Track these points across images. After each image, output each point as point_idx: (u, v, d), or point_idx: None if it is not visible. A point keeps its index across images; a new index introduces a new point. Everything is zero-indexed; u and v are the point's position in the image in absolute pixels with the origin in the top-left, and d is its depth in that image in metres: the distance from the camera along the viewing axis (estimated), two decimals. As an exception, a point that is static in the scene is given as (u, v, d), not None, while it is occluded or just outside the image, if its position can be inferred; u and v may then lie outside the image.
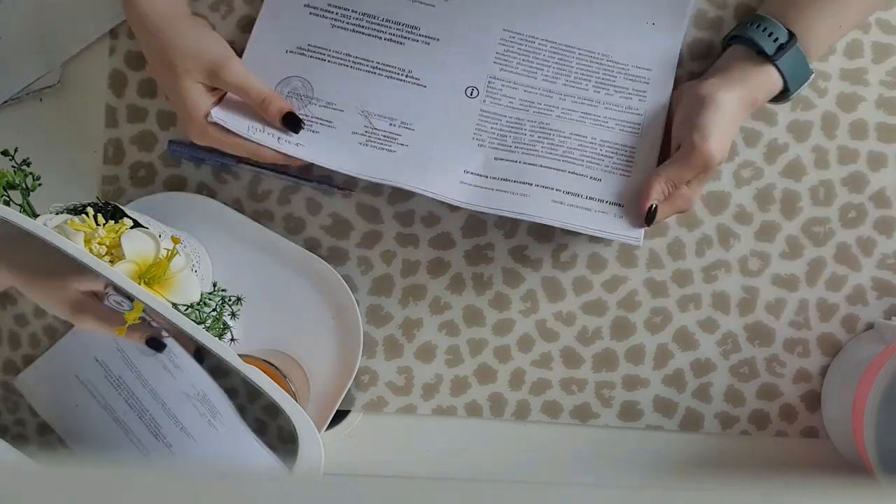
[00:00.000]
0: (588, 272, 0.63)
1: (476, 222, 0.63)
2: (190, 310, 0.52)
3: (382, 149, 0.58)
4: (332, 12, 0.60)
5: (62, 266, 0.49)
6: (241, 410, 0.64)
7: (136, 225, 0.52)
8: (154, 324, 0.56)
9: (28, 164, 0.54)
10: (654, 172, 0.56)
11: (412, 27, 0.59)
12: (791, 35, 0.55)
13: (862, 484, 0.60)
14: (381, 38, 0.59)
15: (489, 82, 0.59)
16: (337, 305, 0.62)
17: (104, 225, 0.50)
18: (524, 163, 0.58)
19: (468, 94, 0.59)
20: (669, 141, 0.58)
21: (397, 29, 0.59)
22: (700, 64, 0.61)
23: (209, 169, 0.63)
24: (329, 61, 0.59)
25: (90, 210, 0.51)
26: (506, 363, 0.63)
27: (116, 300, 0.55)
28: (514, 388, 0.63)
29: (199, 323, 0.52)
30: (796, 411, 0.63)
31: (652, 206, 0.55)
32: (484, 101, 0.59)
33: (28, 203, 0.53)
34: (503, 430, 0.64)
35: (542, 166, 0.58)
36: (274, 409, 0.62)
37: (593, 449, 0.64)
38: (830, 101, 0.62)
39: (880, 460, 0.52)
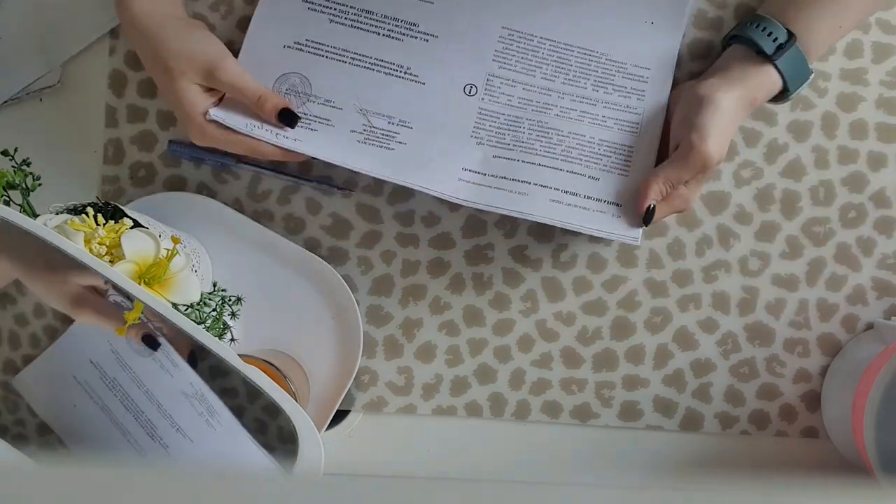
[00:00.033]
0: (588, 272, 0.63)
1: (476, 222, 0.63)
2: (190, 310, 0.52)
3: (381, 147, 0.58)
4: (331, 7, 0.59)
5: (63, 260, 0.49)
6: (241, 410, 0.64)
7: (136, 225, 0.52)
8: (150, 325, 0.56)
9: (28, 164, 0.54)
10: (653, 172, 0.56)
11: (411, 24, 0.59)
12: (790, 35, 0.55)
13: (862, 484, 0.60)
14: (379, 34, 0.59)
15: (488, 80, 0.59)
16: (337, 305, 0.62)
17: (104, 225, 0.51)
18: (522, 161, 0.58)
19: (467, 92, 0.59)
20: (668, 141, 0.58)
21: (396, 25, 0.59)
22: (700, 64, 0.61)
23: (209, 169, 0.63)
24: (327, 57, 0.59)
25: (90, 210, 0.51)
26: (506, 363, 0.63)
27: (117, 300, 0.55)
28: (514, 388, 0.63)
29: (199, 323, 0.52)
30: (796, 411, 0.63)
31: (650, 205, 0.55)
32: (482, 99, 0.59)
33: (28, 203, 0.53)
34: (503, 430, 0.64)
35: (540, 165, 0.58)
36: (274, 409, 0.62)
37: (593, 449, 0.64)
38: (830, 101, 0.62)
39: (880, 460, 0.52)
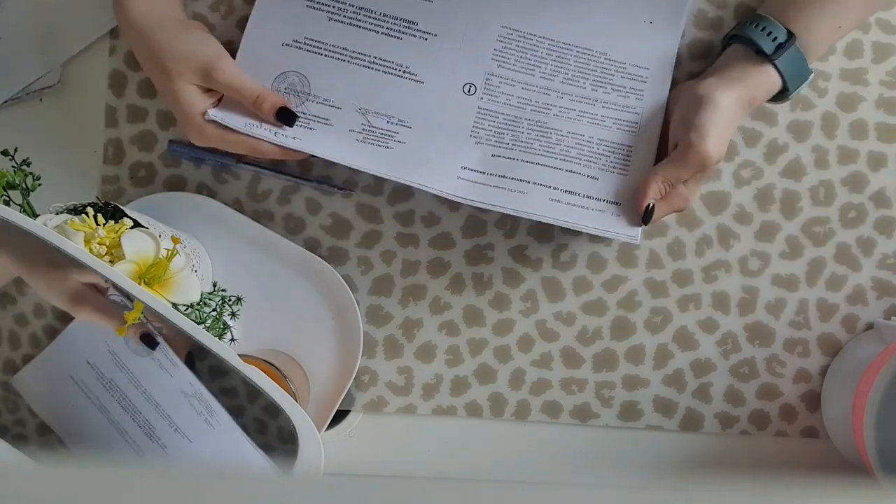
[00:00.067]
0: (588, 272, 0.63)
1: (476, 222, 0.63)
2: (190, 310, 0.52)
3: (380, 146, 0.58)
4: (329, 5, 0.59)
5: (63, 257, 0.49)
6: (241, 410, 0.64)
7: (136, 225, 0.52)
8: (150, 324, 0.56)
9: (28, 164, 0.54)
10: (651, 171, 0.56)
11: (410, 22, 0.59)
12: (790, 35, 0.55)
13: (862, 484, 0.60)
14: (378, 32, 0.59)
15: (487, 79, 0.59)
16: (337, 305, 0.62)
17: (104, 225, 0.51)
18: (521, 160, 0.58)
19: (466, 91, 0.59)
20: (667, 140, 0.58)
21: (395, 23, 0.59)
22: (700, 64, 0.61)
23: (209, 169, 0.63)
24: (325, 55, 0.59)
25: (90, 210, 0.51)
26: (506, 363, 0.63)
27: (117, 300, 0.55)
28: (514, 388, 0.63)
29: (199, 323, 0.52)
30: (796, 411, 0.63)
31: (649, 204, 0.55)
32: (482, 98, 0.59)
33: (28, 203, 0.53)
34: (503, 430, 0.64)
35: (539, 164, 0.58)
36: (274, 409, 0.62)
37: (593, 449, 0.64)
38: (830, 101, 0.62)
39: (880, 460, 0.52)
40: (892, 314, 0.62)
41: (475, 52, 0.59)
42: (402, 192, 0.62)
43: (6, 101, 0.62)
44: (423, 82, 0.59)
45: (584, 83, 0.59)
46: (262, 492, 0.21)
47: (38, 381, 0.63)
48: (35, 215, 0.52)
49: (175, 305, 0.50)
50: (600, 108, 0.59)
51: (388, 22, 0.59)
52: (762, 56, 0.55)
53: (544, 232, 0.62)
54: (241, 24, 0.61)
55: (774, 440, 0.63)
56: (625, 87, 0.59)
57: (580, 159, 0.58)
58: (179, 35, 0.56)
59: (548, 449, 0.64)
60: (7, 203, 0.52)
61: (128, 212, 0.54)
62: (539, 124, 0.59)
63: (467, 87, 0.59)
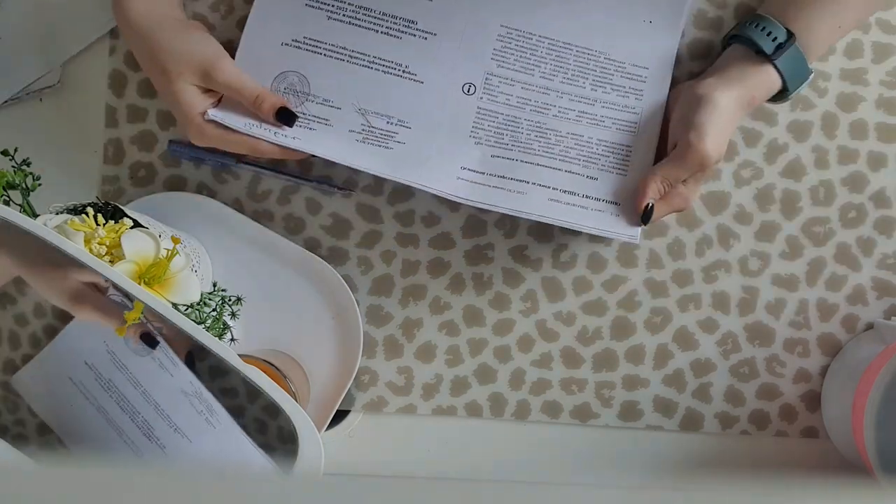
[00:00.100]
0: (588, 272, 0.63)
1: (476, 222, 0.63)
2: (190, 310, 0.52)
3: (380, 146, 0.58)
4: (328, 4, 0.59)
5: (64, 257, 0.49)
6: (241, 410, 0.64)
7: (136, 225, 0.52)
8: (149, 324, 0.56)
9: (28, 164, 0.54)
10: (651, 171, 0.56)
11: (410, 21, 0.59)
12: (790, 35, 0.55)
13: (862, 484, 0.60)
14: (377, 31, 0.59)
15: (486, 79, 0.59)
16: (337, 305, 0.62)
17: (104, 225, 0.51)
18: (521, 161, 0.58)
19: (465, 91, 0.59)
20: (666, 140, 0.58)
21: (394, 22, 0.59)
22: (700, 64, 0.61)
23: (209, 169, 0.63)
24: (325, 55, 0.59)
25: (90, 210, 0.51)
26: (506, 363, 0.63)
27: (117, 300, 0.55)
28: (514, 388, 0.63)
29: (199, 323, 0.52)
30: (796, 411, 0.63)
31: (648, 204, 0.55)
32: (481, 98, 0.59)
33: (28, 203, 0.53)
34: (503, 430, 0.64)
35: (538, 165, 0.58)
36: (274, 409, 0.62)
37: (593, 449, 0.64)
38: (830, 101, 0.62)
39: (880, 460, 0.52)
40: (892, 314, 0.62)
41: (474, 51, 0.59)
42: (402, 192, 0.62)
43: (6, 101, 0.62)
44: (422, 82, 0.59)
45: (584, 83, 0.59)
46: (262, 492, 0.21)
47: (37, 382, 0.63)
48: (35, 215, 0.52)
49: (175, 305, 0.50)
50: (600, 107, 0.59)
51: (387, 21, 0.59)
52: (762, 56, 0.55)
53: (544, 232, 0.62)
54: (241, 23, 0.61)
55: (774, 440, 0.63)
56: (624, 87, 0.59)
57: (579, 160, 0.58)
58: (179, 35, 0.56)
59: (548, 449, 0.64)
60: (7, 203, 0.52)
61: (128, 212, 0.54)
62: (538, 124, 0.59)
63: (467, 86, 0.59)
